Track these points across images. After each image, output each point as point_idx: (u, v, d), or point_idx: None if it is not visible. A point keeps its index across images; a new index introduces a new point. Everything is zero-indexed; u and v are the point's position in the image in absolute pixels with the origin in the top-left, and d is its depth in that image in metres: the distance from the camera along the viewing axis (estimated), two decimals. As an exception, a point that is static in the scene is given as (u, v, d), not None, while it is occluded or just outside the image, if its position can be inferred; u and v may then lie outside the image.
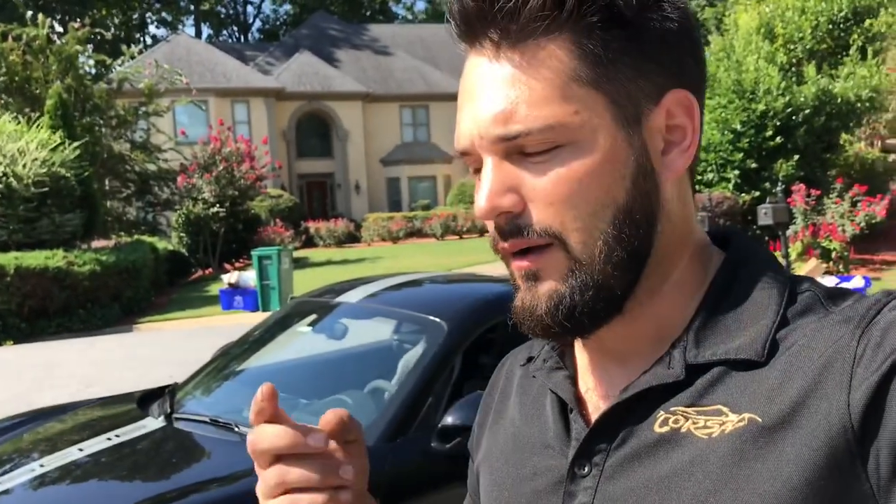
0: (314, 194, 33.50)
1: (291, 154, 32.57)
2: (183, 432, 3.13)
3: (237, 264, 20.48)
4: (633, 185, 0.65)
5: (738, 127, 14.75)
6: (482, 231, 23.74)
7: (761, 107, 14.57)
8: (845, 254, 13.35)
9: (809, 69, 15.32)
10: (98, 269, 13.68)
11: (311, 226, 27.06)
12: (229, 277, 15.04)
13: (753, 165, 14.87)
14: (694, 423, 0.64)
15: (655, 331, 0.70)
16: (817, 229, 13.64)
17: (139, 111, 21.23)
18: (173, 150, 21.33)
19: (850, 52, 16.19)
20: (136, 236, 19.94)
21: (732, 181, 15.04)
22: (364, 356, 4.01)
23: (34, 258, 12.97)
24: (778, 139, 14.67)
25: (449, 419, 2.72)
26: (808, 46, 16.34)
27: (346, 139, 33.04)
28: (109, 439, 3.06)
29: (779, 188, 14.28)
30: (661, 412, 0.66)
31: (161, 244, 20.08)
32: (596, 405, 0.72)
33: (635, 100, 0.65)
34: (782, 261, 12.98)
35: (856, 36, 16.62)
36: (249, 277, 14.60)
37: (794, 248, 13.50)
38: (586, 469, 0.69)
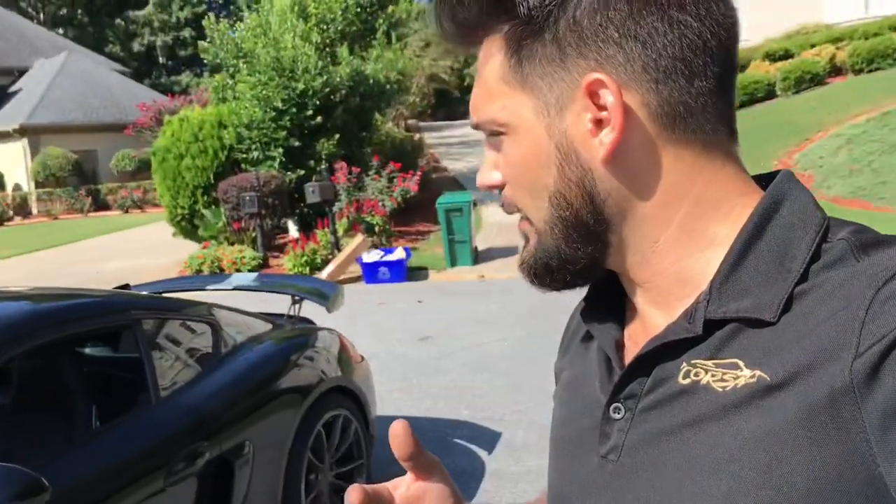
0: None
1: None
2: None
3: None
4: (558, 171, 0.69)
5: (280, 105, 14.55)
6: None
7: (301, 86, 14.54)
8: (387, 227, 14.03)
9: (343, 50, 15.72)
10: None
11: None
12: None
13: (297, 144, 14.81)
14: (713, 375, 0.66)
15: (678, 284, 0.71)
16: (361, 205, 14.11)
17: None
18: None
19: (377, 35, 17.04)
20: None
21: (278, 160, 14.82)
22: None
23: None
24: (318, 118, 14.82)
25: None
26: (339, 28, 16.79)
27: None
28: None
29: (323, 166, 14.48)
30: (685, 364, 0.68)
31: None
32: (632, 351, 0.75)
33: (556, 91, 0.68)
34: (330, 237, 13.18)
35: (381, 20, 17.57)
36: None
37: (342, 225, 13.81)
38: (619, 413, 0.72)
